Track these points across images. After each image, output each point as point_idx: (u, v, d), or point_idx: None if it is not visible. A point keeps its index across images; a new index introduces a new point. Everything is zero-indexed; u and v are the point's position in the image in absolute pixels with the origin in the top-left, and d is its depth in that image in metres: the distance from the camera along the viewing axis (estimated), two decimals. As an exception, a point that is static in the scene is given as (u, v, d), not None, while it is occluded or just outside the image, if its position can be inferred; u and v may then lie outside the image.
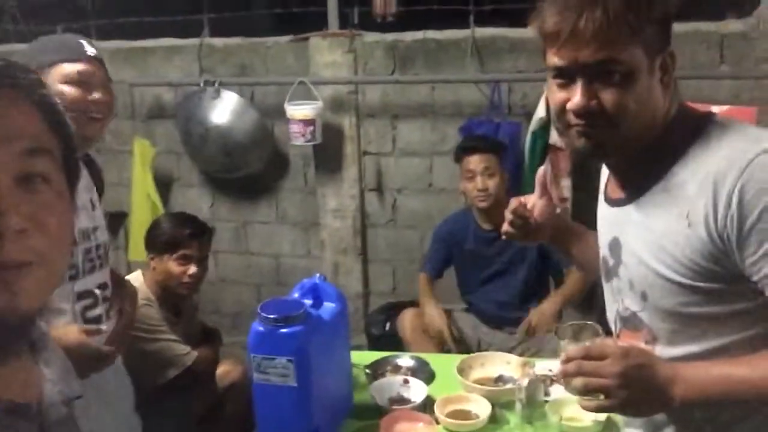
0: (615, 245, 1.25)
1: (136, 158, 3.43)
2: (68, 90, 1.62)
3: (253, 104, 3.45)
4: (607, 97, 1.10)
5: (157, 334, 2.42)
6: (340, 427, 1.75)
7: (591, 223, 1.42)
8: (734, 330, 1.12)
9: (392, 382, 1.90)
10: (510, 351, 2.48)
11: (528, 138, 3.07)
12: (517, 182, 3.04)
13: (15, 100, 0.68)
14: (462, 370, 1.91)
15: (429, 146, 3.43)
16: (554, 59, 1.12)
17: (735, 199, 1.03)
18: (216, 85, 3.34)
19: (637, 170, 1.19)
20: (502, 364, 1.98)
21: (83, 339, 1.54)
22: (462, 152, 2.87)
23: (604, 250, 1.30)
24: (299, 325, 1.55)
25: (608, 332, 1.29)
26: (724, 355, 1.12)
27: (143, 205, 3.41)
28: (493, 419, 1.74)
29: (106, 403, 1.60)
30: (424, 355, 2.14)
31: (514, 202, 1.43)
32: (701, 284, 1.10)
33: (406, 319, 2.86)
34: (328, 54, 3.37)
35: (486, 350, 2.59)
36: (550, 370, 1.92)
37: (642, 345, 1.20)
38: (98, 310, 1.71)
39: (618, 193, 1.25)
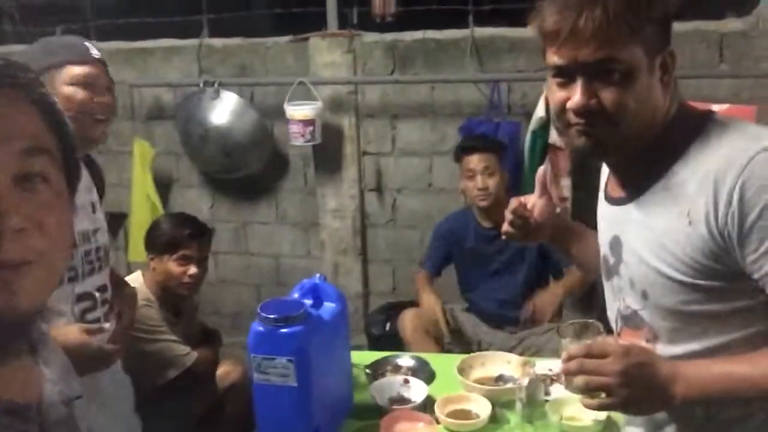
0: (615, 244, 1.25)
1: (136, 159, 3.43)
2: (76, 92, 1.64)
3: (252, 105, 3.45)
4: (607, 96, 1.10)
5: (157, 334, 2.42)
6: (340, 427, 1.75)
7: (591, 222, 1.42)
8: (735, 328, 1.12)
9: (392, 381, 1.90)
10: (510, 350, 2.48)
11: (528, 137, 3.07)
12: (517, 182, 3.04)
13: (14, 100, 0.68)
14: (462, 370, 1.91)
15: (429, 146, 3.43)
16: (554, 58, 1.12)
17: (736, 197, 1.03)
18: (215, 85, 3.34)
19: (637, 169, 1.19)
20: (502, 363, 1.98)
21: (84, 338, 1.54)
22: (462, 151, 2.87)
23: (604, 249, 1.30)
24: (299, 325, 1.55)
25: (609, 331, 1.29)
26: (725, 353, 1.12)
27: (143, 206, 3.41)
28: (494, 419, 1.74)
29: (102, 404, 1.60)
30: (424, 355, 2.14)
31: (513, 202, 1.43)
32: (702, 282, 1.11)
33: (407, 319, 2.86)
34: (327, 54, 3.37)
35: (486, 350, 2.58)
36: (551, 370, 1.92)
37: (643, 343, 1.20)
38: (97, 313, 1.71)
39: (618, 192, 1.25)
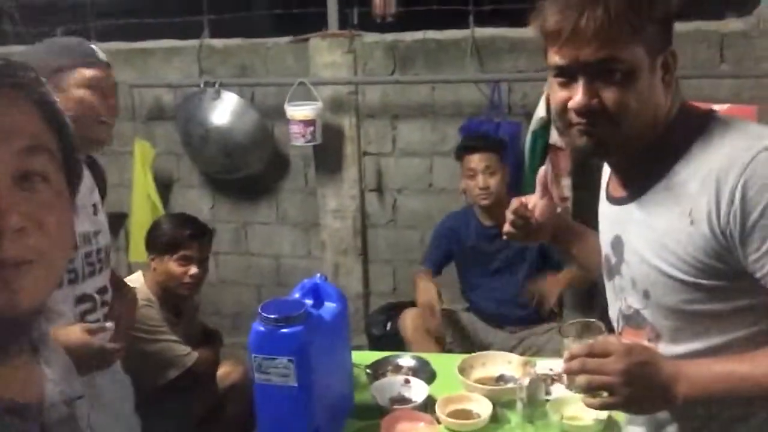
0: (617, 243, 1.25)
1: (137, 159, 3.43)
2: (87, 94, 1.66)
3: (253, 105, 3.45)
4: (609, 95, 1.10)
5: (158, 334, 2.42)
6: (341, 428, 1.75)
7: (592, 222, 1.42)
8: (737, 327, 1.12)
9: (393, 381, 1.90)
10: (511, 350, 2.49)
11: (528, 138, 3.06)
12: (518, 182, 3.04)
13: (14, 99, 0.68)
14: (463, 370, 1.91)
15: (429, 146, 3.43)
16: (555, 58, 1.12)
17: (738, 196, 1.04)
18: (216, 86, 3.34)
19: (638, 169, 1.19)
20: (503, 363, 1.98)
21: (86, 338, 1.54)
22: (463, 151, 2.87)
23: (606, 249, 1.30)
24: (300, 325, 1.55)
25: (611, 330, 1.29)
26: (727, 352, 1.12)
27: (143, 206, 3.41)
28: (494, 419, 1.74)
29: (102, 404, 1.60)
30: (425, 355, 2.14)
31: (515, 202, 1.43)
32: (704, 281, 1.11)
33: (408, 319, 2.86)
34: (327, 54, 3.37)
35: (487, 350, 2.58)
36: (551, 370, 1.92)
37: (645, 343, 1.20)
38: (97, 314, 1.71)
39: (620, 192, 1.25)
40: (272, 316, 1.54)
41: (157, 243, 2.52)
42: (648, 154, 1.16)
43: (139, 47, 3.66)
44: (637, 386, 1.08)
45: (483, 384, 1.87)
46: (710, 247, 1.08)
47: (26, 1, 3.97)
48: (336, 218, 3.56)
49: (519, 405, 1.71)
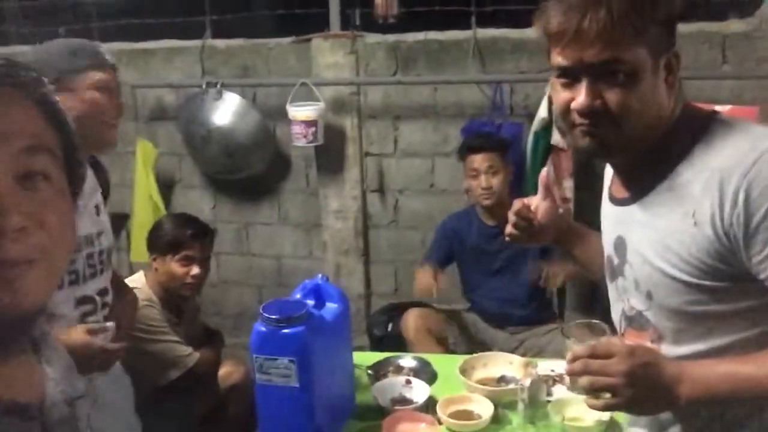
0: (620, 244, 1.25)
1: (139, 159, 3.43)
2: (98, 97, 1.67)
3: (255, 105, 3.45)
4: (612, 96, 1.10)
5: (159, 335, 2.42)
6: (342, 428, 1.75)
7: (594, 223, 1.42)
8: (740, 328, 1.12)
9: (394, 382, 1.90)
10: (512, 351, 2.48)
11: (530, 138, 3.06)
12: (519, 183, 3.04)
13: (15, 99, 0.68)
14: (464, 371, 1.91)
15: (431, 147, 3.43)
16: (558, 59, 1.12)
17: (741, 197, 1.03)
18: (218, 86, 3.35)
19: (641, 170, 1.19)
20: (504, 364, 1.98)
21: (87, 338, 1.54)
22: (466, 151, 2.87)
23: (608, 250, 1.30)
24: (301, 325, 1.55)
25: (613, 332, 1.29)
26: (730, 354, 1.12)
27: (145, 207, 3.41)
28: (496, 419, 1.73)
29: (102, 404, 1.60)
30: (426, 356, 2.13)
31: (517, 204, 1.43)
32: (707, 283, 1.10)
33: (410, 319, 2.86)
34: (330, 55, 3.37)
35: (488, 350, 2.58)
36: (553, 371, 1.92)
37: (647, 344, 1.20)
38: (97, 316, 1.71)
39: (622, 193, 1.25)
40: (274, 317, 1.54)
41: (159, 243, 2.52)
42: (651, 155, 1.16)
43: (141, 47, 3.67)
44: (640, 387, 1.08)
45: (484, 385, 1.86)
46: (713, 248, 1.08)
47: (29, 1, 3.98)
48: (338, 219, 3.56)
49: (520, 406, 1.71)
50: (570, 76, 1.12)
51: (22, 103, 0.69)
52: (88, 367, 1.50)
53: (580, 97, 1.10)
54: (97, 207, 1.75)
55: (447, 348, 2.84)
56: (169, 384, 2.41)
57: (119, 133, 1.77)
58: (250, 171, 3.54)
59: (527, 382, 1.73)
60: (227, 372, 2.68)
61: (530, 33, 3.08)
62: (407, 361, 2.07)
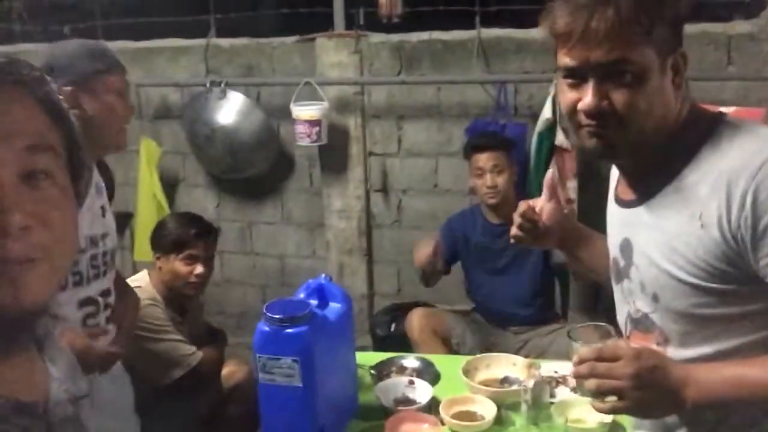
0: (626, 246, 1.24)
1: (143, 158, 3.43)
2: (115, 100, 1.69)
3: (259, 105, 3.45)
4: (619, 97, 1.09)
5: (163, 334, 2.42)
6: (345, 428, 1.75)
7: (598, 224, 1.42)
8: (747, 331, 1.12)
9: (397, 383, 1.90)
10: (516, 352, 2.48)
11: (534, 139, 3.06)
12: (523, 183, 3.04)
13: (18, 97, 0.68)
14: (467, 372, 1.90)
15: (435, 147, 3.42)
16: (566, 59, 1.11)
17: (749, 200, 1.03)
18: (222, 85, 3.35)
19: (648, 171, 1.18)
20: (507, 365, 1.97)
21: (87, 342, 1.54)
22: (471, 150, 2.87)
23: (614, 252, 1.29)
24: (305, 325, 1.55)
25: (619, 334, 1.28)
26: (737, 357, 1.11)
27: (149, 205, 3.41)
28: (499, 421, 1.73)
29: (102, 403, 1.60)
30: (429, 356, 2.13)
31: (522, 205, 1.43)
32: (714, 285, 1.10)
33: (414, 319, 2.85)
34: (334, 55, 3.37)
35: (492, 351, 2.58)
36: (556, 372, 1.92)
37: (653, 347, 1.19)
38: (99, 318, 1.71)
39: (629, 195, 1.24)
40: (277, 316, 1.54)
41: (163, 242, 2.52)
42: (657, 157, 1.15)
43: (145, 46, 3.67)
44: (647, 390, 1.07)
45: (487, 386, 1.86)
46: (720, 251, 1.07)
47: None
48: (341, 218, 3.56)
49: (523, 407, 1.70)
50: (577, 76, 1.12)
51: (25, 102, 0.69)
52: (88, 370, 1.50)
53: (587, 97, 1.10)
54: (102, 208, 1.75)
55: (451, 348, 2.84)
56: (173, 383, 2.41)
57: (123, 132, 1.78)
58: (254, 170, 3.55)
59: (530, 384, 1.73)
60: (230, 371, 2.68)
61: (534, 33, 3.07)
62: (410, 361, 2.07)
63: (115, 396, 1.78)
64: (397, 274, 3.64)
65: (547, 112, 2.97)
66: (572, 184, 3.02)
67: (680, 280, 1.12)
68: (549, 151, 3.01)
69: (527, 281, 2.90)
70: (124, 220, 3.63)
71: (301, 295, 1.71)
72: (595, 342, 1.15)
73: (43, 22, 3.84)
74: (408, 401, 1.83)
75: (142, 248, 3.20)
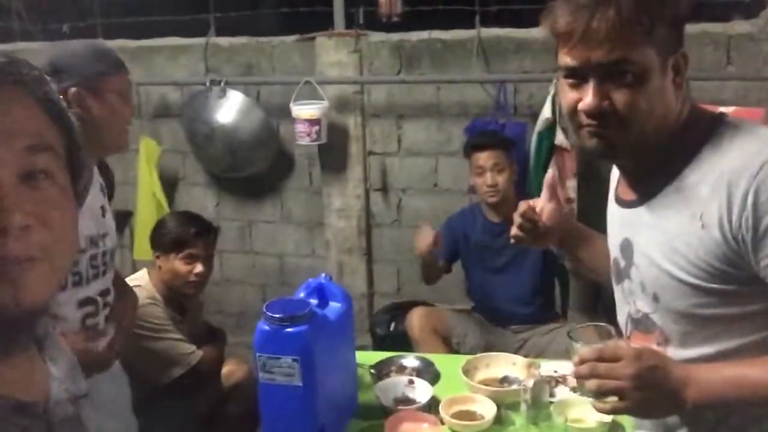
0: (626, 247, 1.24)
1: (142, 157, 3.43)
2: (119, 101, 1.69)
3: (258, 104, 3.45)
4: (620, 97, 1.09)
5: (162, 333, 2.42)
6: (345, 427, 1.75)
7: (598, 223, 1.42)
8: (747, 331, 1.12)
9: (397, 382, 1.90)
10: (515, 352, 2.48)
11: (534, 138, 3.06)
12: (523, 183, 3.04)
13: (18, 97, 0.68)
14: (467, 371, 1.90)
15: (434, 146, 3.42)
16: (566, 59, 1.11)
17: (750, 201, 1.03)
18: (222, 84, 3.34)
19: (648, 171, 1.18)
20: (507, 364, 1.97)
21: (85, 346, 1.54)
22: (472, 148, 2.87)
23: (615, 252, 1.29)
24: (304, 324, 1.55)
25: (619, 334, 1.28)
26: (737, 357, 1.11)
27: (148, 204, 3.41)
28: (498, 420, 1.73)
29: (100, 403, 1.60)
30: (429, 356, 2.13)
31: (522, 206, 1.43)
32: (714, 285, 1.10)
33: (415, 318, 2.85)
34: (333, 54, 3.37)
35: (492, 350, 2.58)
36: (556, 371, 1.92)
37: (654, 347, 1.19)
38: (98, 318, 1.71)
39: (629, 195, 1.24)
40: (277, 316, 1.54)
41: (163, 241, 2.52)
42: (658, 157, 1.15)
43: (145, 45, 3.67)
44: (647, 391, 1.07)
45: (487, 385, 1.86)
46: (721, 251, 1.07)
47: (33, -2, 3.99)
48: (341, 217, 3.56)
49: (523, 406, 1.70)
50: (578, 76, 1.12)
51: (25, 102, 0.69)
52: (86, 371, 1.49)
53: (588, 97, 1.10)
54: (102, 208, 1.75)
55: (451, 347, 2.84)
56: (172, 382, 2.41)
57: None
58: (254, 169, 3.54)
59: (530, 383, 1.73)
60: (230, 371, 2.67)
61: (534, 33, 3.08)
62: (410, 360, 2.07)
63: (114, 395, 1.78)
64: (396, 273, 3.64)
65: (546, 112, 2.98)
66: (572, 184, 3.02)
67: (681, 281, 1.13)
68: (549, 150, 3.01)
69: (527, 280, 2.90)
70: (124, 219, 3.63)
71: (301, 295, 1.71)
72: (596, 342, 1.15)
73: (42, 20, 3.83)
74: (408, 401, 1.83)
75: (142, 247, 3.19)
